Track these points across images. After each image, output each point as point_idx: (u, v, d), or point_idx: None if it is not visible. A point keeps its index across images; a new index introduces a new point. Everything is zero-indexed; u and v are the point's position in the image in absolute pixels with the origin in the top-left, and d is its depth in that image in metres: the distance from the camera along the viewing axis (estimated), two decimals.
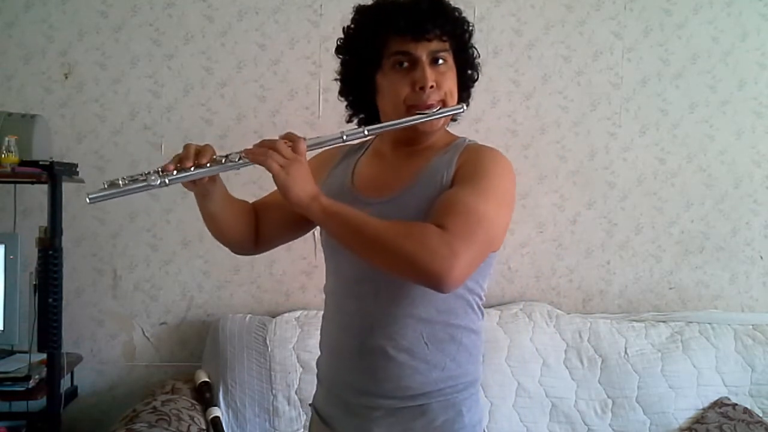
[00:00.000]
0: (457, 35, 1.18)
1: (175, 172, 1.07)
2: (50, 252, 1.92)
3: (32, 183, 2.01)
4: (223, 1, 2.37)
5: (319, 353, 1.30)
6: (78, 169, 2.11)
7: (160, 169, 1.06)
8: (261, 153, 1.06)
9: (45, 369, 1.95)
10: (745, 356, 2.35)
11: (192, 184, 1.12)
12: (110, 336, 2.38)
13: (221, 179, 1.17)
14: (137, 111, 2.36)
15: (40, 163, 1.94)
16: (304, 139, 1.09)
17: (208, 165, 1.08)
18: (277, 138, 1.08)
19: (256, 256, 1.52)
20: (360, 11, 1.19)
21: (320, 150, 1.15)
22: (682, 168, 2.57)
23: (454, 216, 1.03)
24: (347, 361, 1.19)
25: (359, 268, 1.15)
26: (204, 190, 1.14)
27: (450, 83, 1.17)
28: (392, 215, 1.09)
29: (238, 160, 1.08)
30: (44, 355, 1.95)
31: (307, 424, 1.53)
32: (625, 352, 2.32)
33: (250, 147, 1.08)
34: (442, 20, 1.14)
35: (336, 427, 1.23)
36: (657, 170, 2.56)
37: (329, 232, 1.14)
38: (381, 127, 1.18)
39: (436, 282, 1.01)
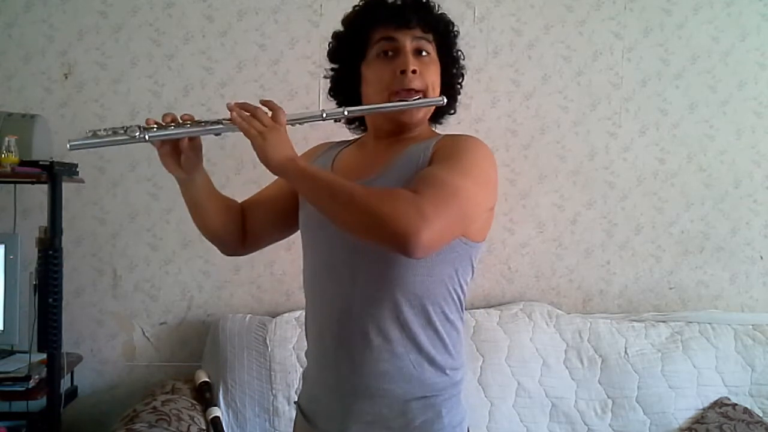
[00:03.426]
0: (440, 31, 1.21)
1: (155, 128, 1.11)
2: (50, 252, 1.92)
3: (32, 183, 2.01)
4: (223, 1, 2.37)
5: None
6: (78, 169, 2.11)
7: (142, 126, 1.10)
8: (242, 118, 1.10)
9: (45, 369, 1.95)
10: (745, 356, 2.35)
11: (175, 166, 1.16)
12: (110, 336, 2.37)
13: (205, 171, 1.22)
14: (137, 111, 2.35)
15: (40, 163, 1.94)
16: (284, 111, 1.12)
17: (189, 125, 1.12)
18: (257, 106, 1.12)
19: (256, 256, 1.52)
20: (347, 16, 1.24)
21: (299, 125, 1.18)
22: (682, 168, 2.57)
23: (429, 186, 1.03)
24: (328, 347, 1.18)
25: (336, 250, 1.16)
26: (188, 168, 1.17)
27: (433, 75, 1.19)
28: None
29: (218, 124, 1.13)
30: (44, 355, 1.95)
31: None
32: (625, 352, 2.32)
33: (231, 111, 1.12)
34: (423, 12, 1.18)
35: (317, 424, 1.23)
36: (657, 170, 2.56)
37: (304, 194, 1.15)
38: (361, 110, 1.21)
39: (403, 243, 0.98)
